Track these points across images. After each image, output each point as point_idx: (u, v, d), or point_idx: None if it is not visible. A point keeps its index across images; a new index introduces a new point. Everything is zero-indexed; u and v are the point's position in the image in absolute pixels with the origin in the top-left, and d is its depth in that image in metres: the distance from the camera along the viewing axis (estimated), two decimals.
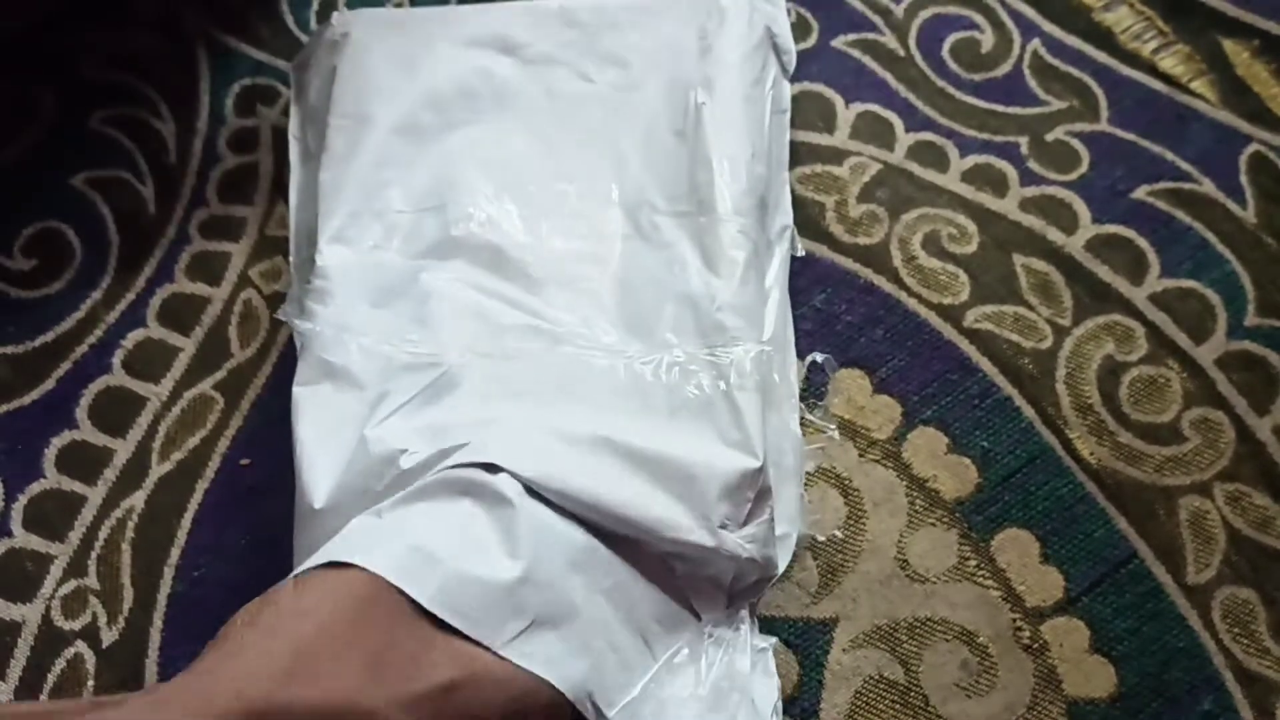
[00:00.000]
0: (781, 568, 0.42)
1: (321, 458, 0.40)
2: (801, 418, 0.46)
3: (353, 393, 0.42)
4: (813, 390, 0.48)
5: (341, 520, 0.37)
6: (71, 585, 0.46)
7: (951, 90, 0.54)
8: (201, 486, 0.47)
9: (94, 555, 0.46)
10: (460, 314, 0.42)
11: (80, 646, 0.45)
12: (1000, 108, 0.54)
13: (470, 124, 0.47)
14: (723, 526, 0.39)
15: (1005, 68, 0.55)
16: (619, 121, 0.47)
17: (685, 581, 0.40)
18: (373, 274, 0.44)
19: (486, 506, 0.36)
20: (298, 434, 0.41)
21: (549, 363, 0.42)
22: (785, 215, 0.49)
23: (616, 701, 0.36)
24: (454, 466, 0.37)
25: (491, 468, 0.37)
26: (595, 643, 0.36)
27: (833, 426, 0.47)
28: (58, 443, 0.48)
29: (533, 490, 0.37)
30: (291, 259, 0.48)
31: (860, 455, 0.47)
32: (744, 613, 0.41)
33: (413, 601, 0.32)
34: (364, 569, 0.33)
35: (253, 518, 0.47)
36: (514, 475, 0.37)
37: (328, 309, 0.43)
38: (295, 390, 0.42)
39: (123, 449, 0.48)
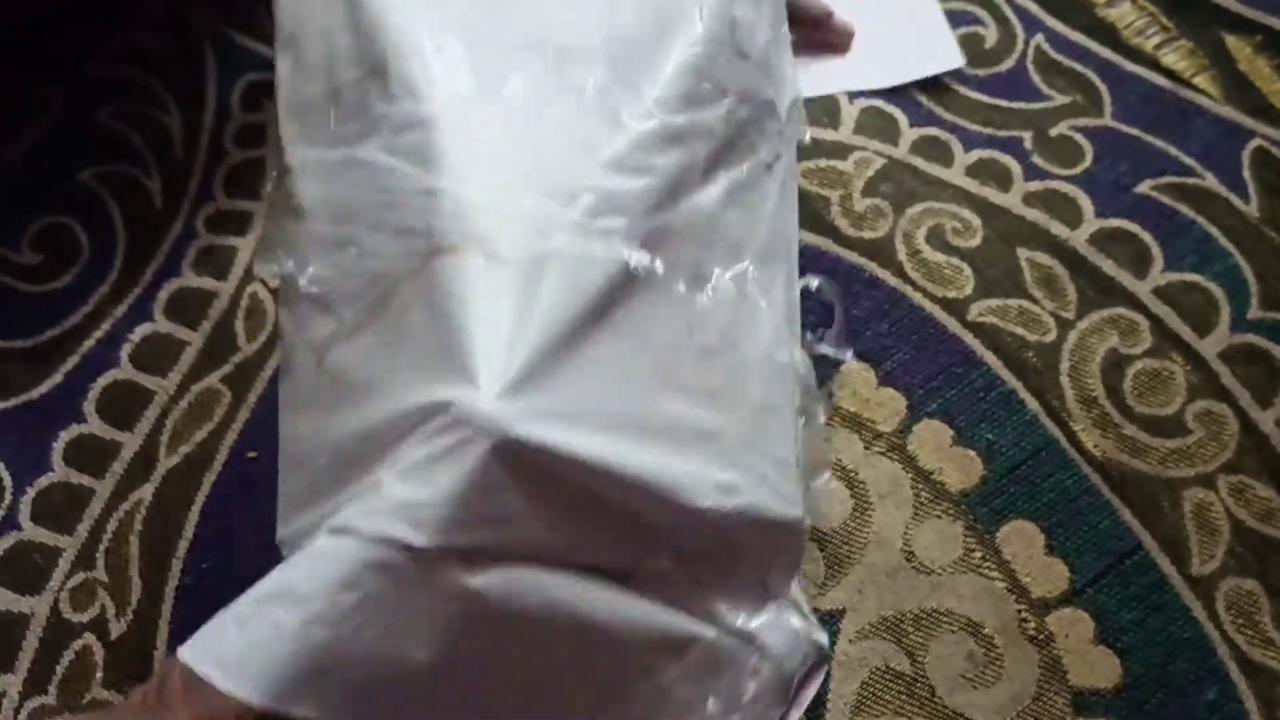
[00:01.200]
0: (801, 514, 0.38)
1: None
2: (810, 351, 0.42)
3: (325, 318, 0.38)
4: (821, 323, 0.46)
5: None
6: (80, 577, 0.46)
7: (955, 85, 0.55)
8: (209, 479, 0.48)
9: (102, 548, 0.47)
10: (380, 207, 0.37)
11: (88, 638, 0.45)
12: (1004, 103, 0.54)
13: None
14: None
15: (1009, 63, 0.55)
16: None
17: (684, 575, 0.36)
18: (331, 176, 0.39)
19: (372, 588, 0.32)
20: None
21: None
22: (793, 88, 0.43)
23: None
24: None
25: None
26: None
27: (847, 351, 0.44)
28: (66, 436, 0.49)
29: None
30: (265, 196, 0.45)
31: (866, 448, 0.47)
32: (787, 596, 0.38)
33: None
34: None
35: (260, 510, 0.46)
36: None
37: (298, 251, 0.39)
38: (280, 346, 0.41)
39: (130, 442, 0.48)
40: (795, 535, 0.37)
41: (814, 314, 0.45)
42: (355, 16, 0.39)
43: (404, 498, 0.32)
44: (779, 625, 0.38)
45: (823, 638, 0.38)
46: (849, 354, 0.44)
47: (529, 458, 0.32)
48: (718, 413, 0.36)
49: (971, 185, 0.52)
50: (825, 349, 0.44)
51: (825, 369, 0.47)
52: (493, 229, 0.34)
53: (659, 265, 0.36)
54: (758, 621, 0.37)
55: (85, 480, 0.48)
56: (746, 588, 0.37)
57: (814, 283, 0.43)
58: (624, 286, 0.35)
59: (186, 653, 0.32)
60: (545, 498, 0.33)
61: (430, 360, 0.34)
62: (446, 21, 0.38)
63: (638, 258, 0.36)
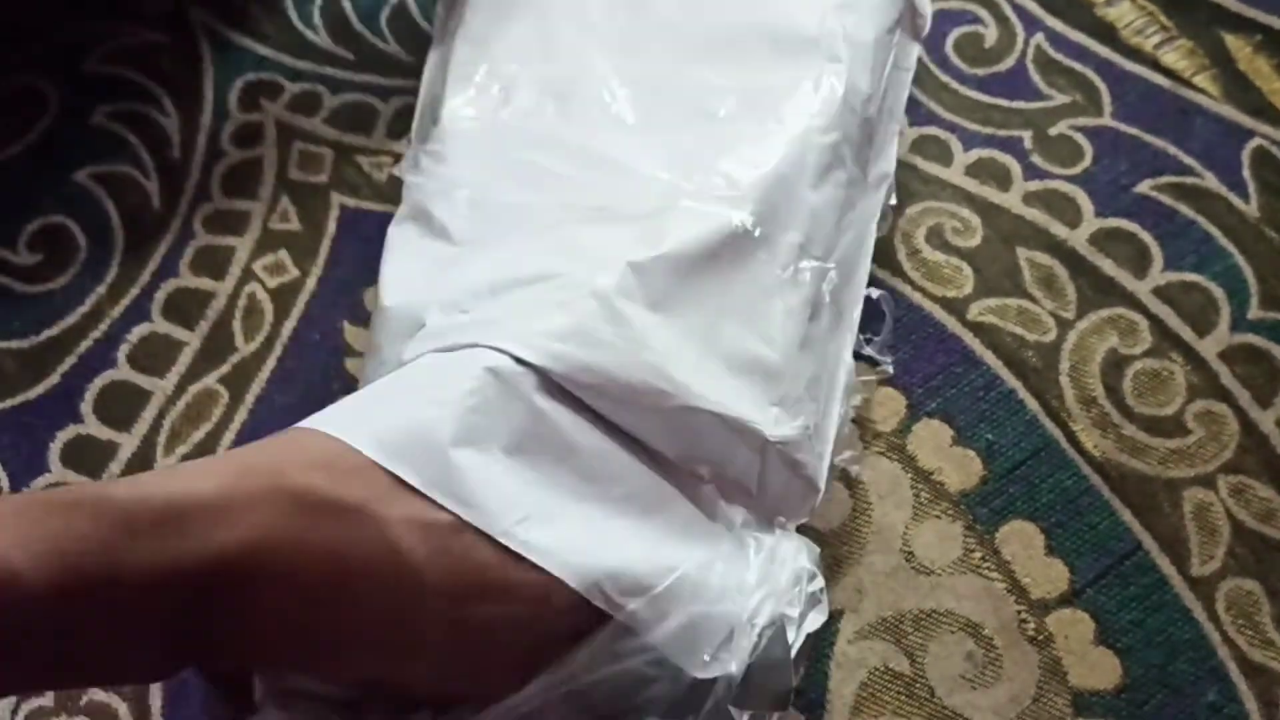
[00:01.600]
0: (822, 484, 0.40)
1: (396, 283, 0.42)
2: (857, 351, 0.44)
3: (442, 243, 0.42)
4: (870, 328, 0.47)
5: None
6: None
7: (955, 85, 0.55)
8: None
9: None
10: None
11: None
12: (1004, 102, 0.54)
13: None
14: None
15: (1009, 62, 0.55)
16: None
17: (715, 488, 0.38)
18: (489, 141, 0.45)
19: (488, 393, 0.35)
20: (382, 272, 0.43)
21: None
22: (888, 164, 0.47)
23: (635, 593, 0.33)
24: (465, 346, 0.36)
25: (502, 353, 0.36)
26: (604, 540, 0.34)
27: (889, 359, 0.46)
28: (63, 436, 0.48)
29: (546, 381, 0.36)
30: (414, 128, 0.49)
31: (865, 447, 0.47)
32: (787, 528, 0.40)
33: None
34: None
35: None
36: (527, 364, 0.35)
37: (439, 167, 0.44)
38: (389, 230, 0.44)
39: (128, 443, 0.48)
40: (812, 495, 0.40)
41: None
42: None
43: (518, 326, 0.36)
44: (790, 543, 0.39)
45: (820, 581, 0.38)
46: (889, 361, 0.46)
47: (624, 323, 0.37)
48: (784, 363, 0.40)
49: (971, 185, 0.52)
50: (870, 351, 0.46)
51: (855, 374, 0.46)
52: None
53: (758, 231, 0.40)
54: (770, 534, 0.39)
55: (82, 481, 0.48)
56: (759, 518, 0.39)
57: (874, 293, 0.46)
58: (728, 239, 0.40)
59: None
60: (625, 374, 0.37)
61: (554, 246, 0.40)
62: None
63: (741, 218, 0.40)
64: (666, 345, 0.38)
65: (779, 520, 0.39)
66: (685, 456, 0.38)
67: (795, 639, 0.35)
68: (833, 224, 0.43)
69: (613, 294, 0.37)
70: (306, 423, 0.34)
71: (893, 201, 0.48)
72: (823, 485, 0.40)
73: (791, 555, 0.37)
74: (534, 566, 0.32)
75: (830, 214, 0.43)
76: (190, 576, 0.28)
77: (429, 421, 0.33)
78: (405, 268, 0.42)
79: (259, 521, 0.29)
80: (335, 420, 0.33)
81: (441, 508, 0.31)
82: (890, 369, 0.46)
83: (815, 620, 0.37)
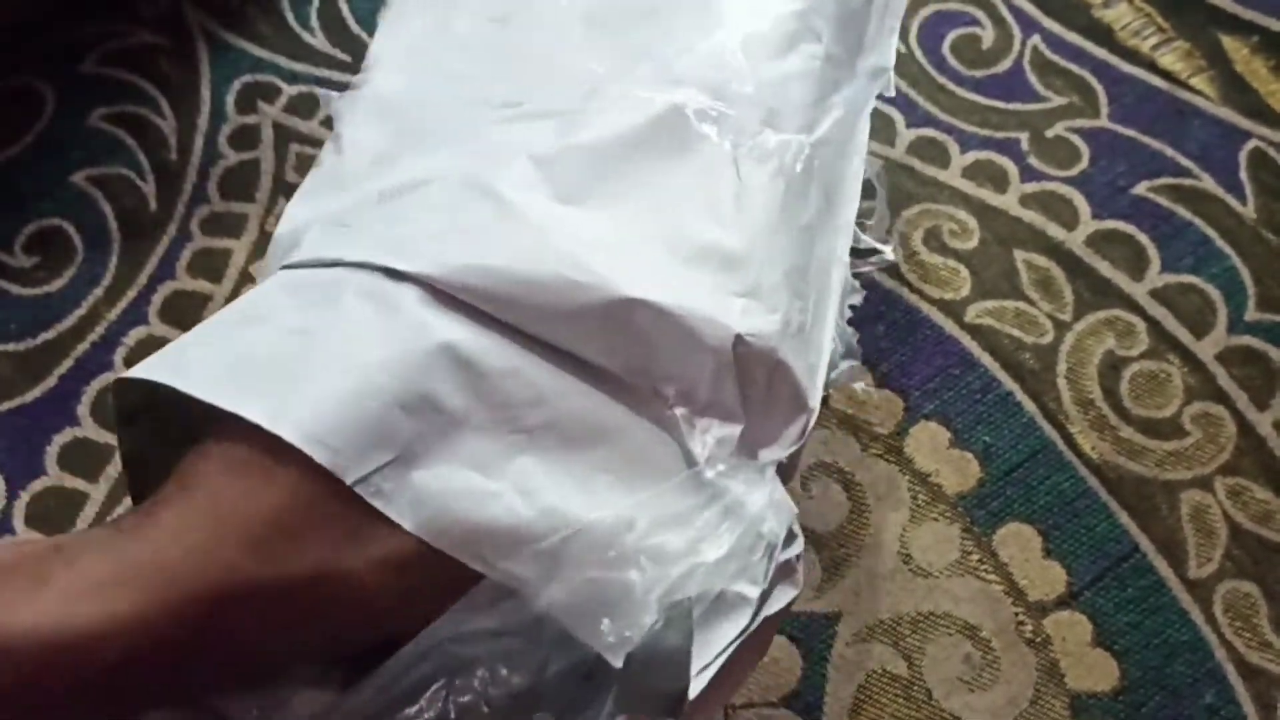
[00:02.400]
0: (814, 402, 0.33)
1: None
2: (855, 247, 0.39)
3: (343, 157, 0.37)
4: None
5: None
6: None
7: (952, 86, 0.55)
8: None
9: None
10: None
11: None
12: (1001, 104, 0.54)
13: None
14: None
15: (1006, 64, 0.55)
16: None
17: (684, 413, 0.31)
18: (415, 56, 0.39)
19: (372, 314, 0.30)
20: None
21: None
22: (883, 59, 0.42)
23: (514, 552, 0.28)
24: (327, 263, 0.31)
25: (390, 273, 0.30)
26: (492, 487, 0.28)
27: (889, 247, 0.42)
28: (60, 440, 0.48)
29: (431, 292, 0.30)
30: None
31: (863, 449, 0.47)
32: (769, 470, 0.32)
33: None
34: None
35: None
36: (403, 275, 0.30)
37: (358, 90, 0.39)
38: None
39: None
40: (800, 413, 0.33)
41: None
42: None
43: (391, 234, 0.31)
44: (761, 493, 0.32)
45: (798, 546, 0.31)
46: (890, 248, 0.41)
47: (521, 218, 0.31)
48: (749, 247, 0.33)
49: (968, 186, 0.52)
50: (867, 238, 0.40)
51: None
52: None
53: (703, 108, 0.35)
54: (737, 478, 0.32)
55: (79, 484, 0.48)
56: (742, 453, 0.32)
57: (869, 169, 0.41)
58: (663, 122, 0.35)
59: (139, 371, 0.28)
60: (528, 270, 0.31)
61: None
62: None
63: (681, 96, 0.35)
64: (581, 234, 0.31)
65: (762, 456, 0.32)
66: (636, 370, 0.31)
67: (748, 621, 0.29)
68: (807, 98, 0.37)
69: (507, 188, 0.32)
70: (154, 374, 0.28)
71: (890, 93, 0.42)
72: (814, 402, 0.33)
73: (760, 512, 0.30)
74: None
75: (801, 86, 0.37)
76: (103, 706, 0.25)
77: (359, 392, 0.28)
78: (305, 196, 0.36)
79: (190, 634, 0.25)
80: (251, 404, 0.27)
81: (402, 534, 0.27)
82: (890, 255, 0.42)
83: (781, 596, 0.30)
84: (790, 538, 0.30)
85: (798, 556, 0.30)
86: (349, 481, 0.27)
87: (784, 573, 0.30)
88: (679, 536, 0.29)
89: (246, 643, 0.26)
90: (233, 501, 0.26)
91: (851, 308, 0.39)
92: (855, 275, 0.39)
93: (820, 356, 0.34)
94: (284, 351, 0.29)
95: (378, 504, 0.27)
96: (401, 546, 0.27)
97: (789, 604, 0.30)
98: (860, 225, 0.40)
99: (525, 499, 0.28)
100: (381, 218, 0.33)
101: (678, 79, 0.36)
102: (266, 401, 0.27)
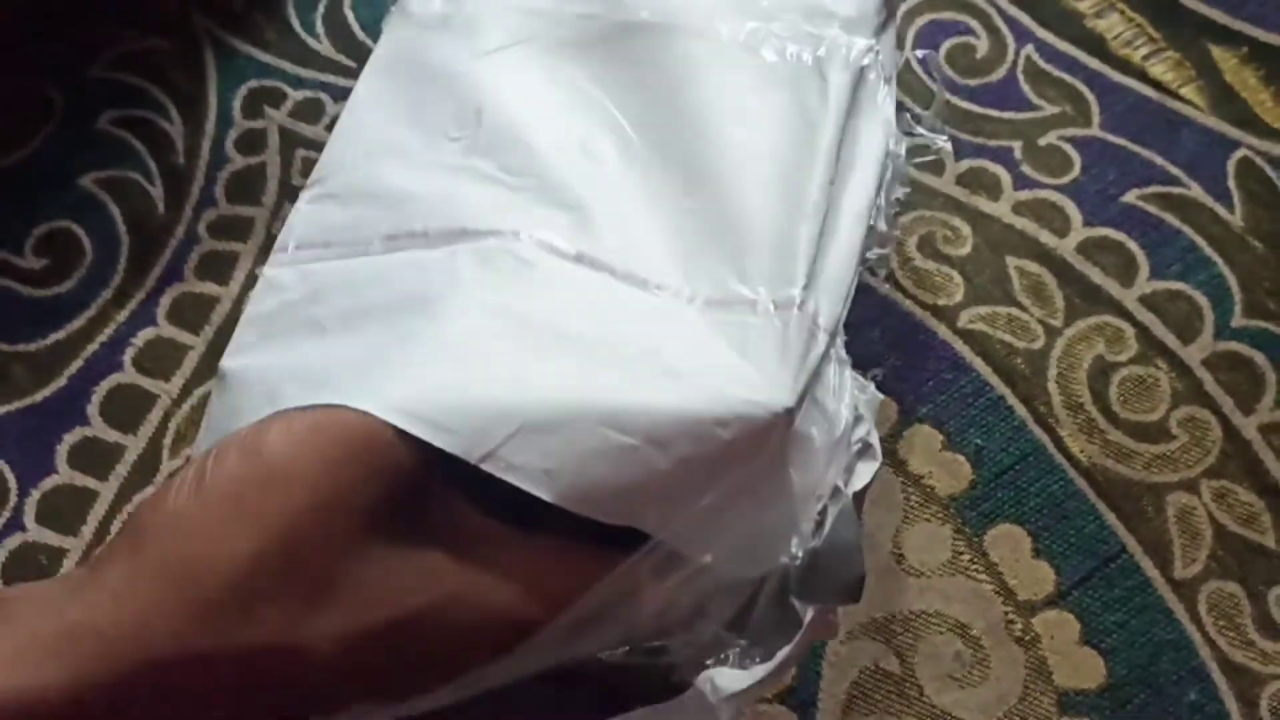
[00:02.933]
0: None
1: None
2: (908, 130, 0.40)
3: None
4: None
5: None
6: None
7: (950, 96, 0.56)
8: None
9: None
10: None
11: None
12: (994, 112, 0.55)
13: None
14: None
15: (1000, 73, 0.56)
16: None
17: None
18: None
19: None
20: None
21: None
22: None
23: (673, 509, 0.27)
24: None
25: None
26: (626, 441, 0.27)
27: (943, 138, 0.41)
28: (70, 439, 0.49)
29: None
30: None
31: None
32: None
33: (376, 498, 0.26)
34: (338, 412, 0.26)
35: None
36: None
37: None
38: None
39: (134, 445, 0.49)
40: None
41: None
42: None
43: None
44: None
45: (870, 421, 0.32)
46: (943, 138, 0.40)
47: None
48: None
49: (962, 194, 0.53)
50: (921, 131, 0.40)
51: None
52: None
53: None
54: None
55: (89, 482, 0.49)
56: None
57: (919, 53, 0.40)
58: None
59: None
60: None
61: None
62: None
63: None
64: None
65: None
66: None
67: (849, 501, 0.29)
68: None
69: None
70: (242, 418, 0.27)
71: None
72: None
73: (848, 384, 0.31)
74: (509, 613, 0.26)
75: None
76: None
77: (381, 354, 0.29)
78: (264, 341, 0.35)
79: (126, 708, 0.24)
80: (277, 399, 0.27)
81: (380, 604, 0.25)
82: (944, 143, 0.41)
83: (865, 473, 0.31)
84: (858, 419, 0.31)
85: (871, 431, 0.31)
86: (474, 459, 0.26)
87: (863, 450, 0.31)
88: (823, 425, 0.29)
89: (181, 711, 0.24)
90: (184, 563, 0.24)
91: (898, 200, 0.38)
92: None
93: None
94: (349, 359, 0.29)
95: (512, 478, 0.26)
96: (366, 619, 0.25)
97: (874, 478, 0.31)
98: (916, 119, 0.41)
99: (659, 450, 0.27)
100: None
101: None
102: (358, 389, 0.26)
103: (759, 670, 0.28)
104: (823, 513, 0.28)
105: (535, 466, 0.26)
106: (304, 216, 0.35)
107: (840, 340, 0.33)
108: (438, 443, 0.26)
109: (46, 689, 0.23)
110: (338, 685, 0.26)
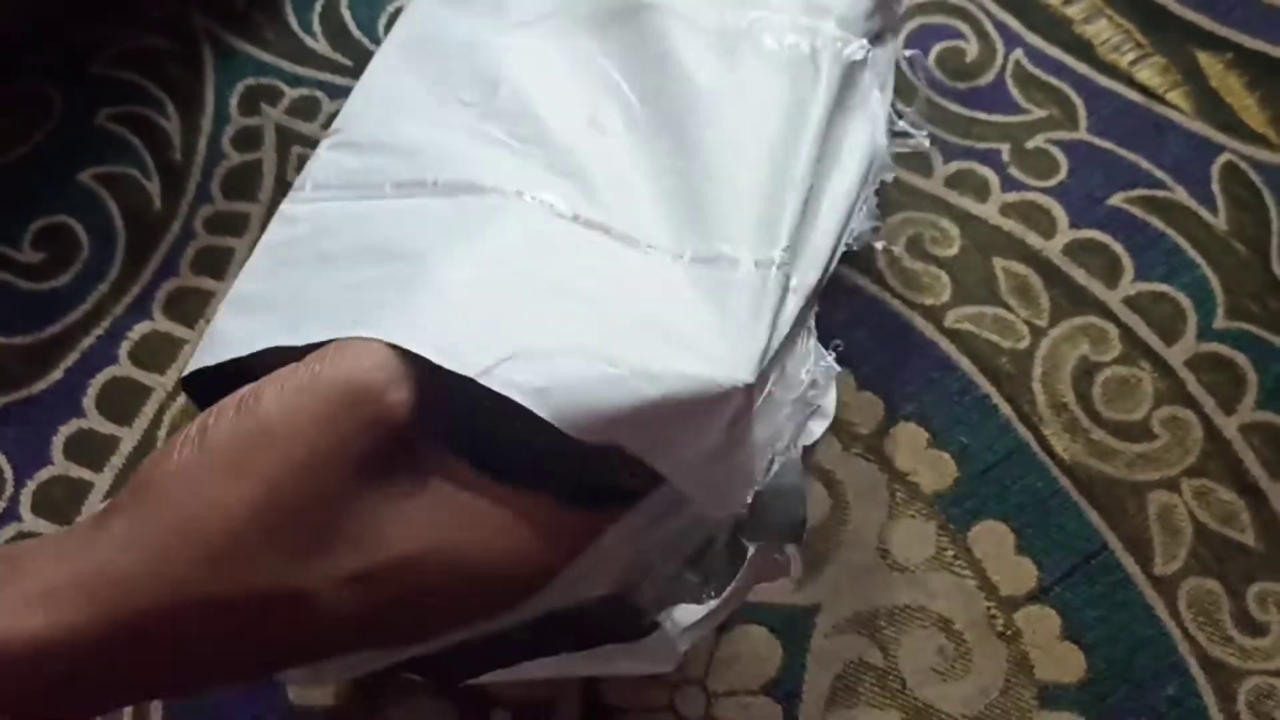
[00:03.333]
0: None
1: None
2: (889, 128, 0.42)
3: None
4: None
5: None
6: None
7: (936, 97, 0.56)
8: None
9: None
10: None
11: None
12: (983, 115, 0.56)
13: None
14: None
15: (989, 77, 0.57)
16: None
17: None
18: None
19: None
20: None
21: None
22: None
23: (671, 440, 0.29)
24: None
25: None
26: (611, 371, 0.29)
27: (924, 133, 0.43)
28: (65, 431, 0.50)
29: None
30: None
31: (844, 449, 0.48)
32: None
33: (375, 446, 0.27)
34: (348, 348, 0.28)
35: None
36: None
37: None
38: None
39: (129, 437, 0.50)
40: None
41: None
42: None
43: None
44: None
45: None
46: (924, 134, 0.43)
47: None
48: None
49: (950, 195, 0.54)
50: (903, 125, 0.42)
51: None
52: None
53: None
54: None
55: (84, 473, 0.49)
56: None
57: (907, 52, 0.42)
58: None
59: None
60: None
61: None
62: None
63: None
64: None
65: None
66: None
67: (800, 454, 0.32)
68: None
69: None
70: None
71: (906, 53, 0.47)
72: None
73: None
74: (511, 562, 0.28)
75: None
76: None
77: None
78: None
79: (136, 649, 0.25)
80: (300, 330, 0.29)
81: (375, 547, 0.26)
82: (926, 142, 0.45)
83: (816, 430, 0.33)
84: (814, 383, 0.34)
85: (828, 396, 0.34)
86: (472, 373, 0.27)
87: (815, 412, 0.33)
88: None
89: (192, 655, 0.26)
90: (188, 513, 0.25)
91: (882, 183, 0.40)
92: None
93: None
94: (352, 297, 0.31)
95: (509, 393, 0.27)
96: (369, 562, 0.26)
97: (823, 435, 0.33)
98: (898, 114, 0.43)
99: (647, 381, 0.28)
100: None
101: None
102: (362, 327, 0.28)
103: (712, 604, 0.31)
104: (771, 461, 0.31)
105: (530, 384, 0.28)
106: (322, 162, 0.38)
107: (813, 310, 0.35)
108: (436, 358, 0.28)
109: (60, 630, 0.24)
110: (339, 629, 0.27)
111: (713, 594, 0.31)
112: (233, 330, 0.33)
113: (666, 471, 0.29)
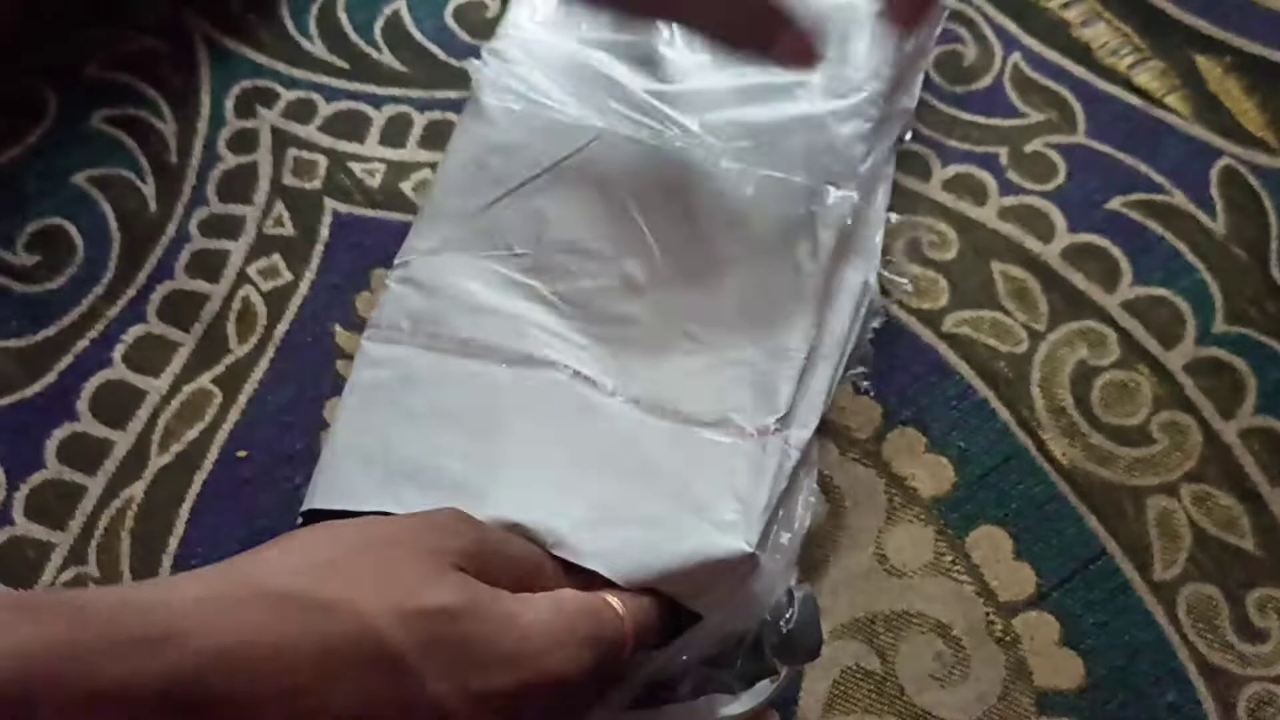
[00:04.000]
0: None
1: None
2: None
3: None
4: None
5: None
6: (72, 573, 0.47)
7: (934, 101, 0.56)
8: (199, 478, 0.49)
9: (94, 544, 0.47)
10: None
11: None
12: (981, 119, 0.56)
13: None
14: None
15: (987, 80, 0.57)
16: None
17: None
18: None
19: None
20: None
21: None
22: (910, 99, 0.53)
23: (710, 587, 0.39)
24: None
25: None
26: (652, 539, 0.39)
27: (907, 280, 0.50)
28: (59, 434, 0.50)
29: None
30: None
31: (841, 454, 0.48)
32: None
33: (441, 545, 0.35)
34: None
35: (248, 508, 0.48)
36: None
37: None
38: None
39: (123, 441, 0.49)
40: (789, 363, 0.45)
41: None
42: None
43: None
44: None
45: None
46: (906, 281, 0.51)
47: None
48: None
49: (948, 199, 0.54)
50: (887, 274, 0.51)
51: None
52: None
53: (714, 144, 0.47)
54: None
55: (78, 477, 0.49)
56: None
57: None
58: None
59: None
60: None
61: None
62: None
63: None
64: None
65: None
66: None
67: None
68: (861, 153, 0.48)
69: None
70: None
71: (908, 137, 0.52)
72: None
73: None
74: (540, 622, 0.33)
75: (859, 145, 0.48)
76: (171, 685, 0.27)
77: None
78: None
79: (239, 625, 0.29)
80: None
81: (425, 595, 0.32)
82: (910, 289, 0.51)
83: (809, 519, 0.44)
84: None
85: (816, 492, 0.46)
86: (548, 544, 0.38)
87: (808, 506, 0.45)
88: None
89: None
90: (291, 554, 0.33)
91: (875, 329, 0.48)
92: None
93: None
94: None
95: (583, 561, 0.38)
96: (425, 601, 0.32)
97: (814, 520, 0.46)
98: (883, 262, 0.49)
99: (681, 550, 0.39)
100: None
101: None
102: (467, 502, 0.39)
103: (746, 699, 0.40)
104: (790, 597, 0.40)
105: (593, 550, 0.38)
106: (394, 297, 0.46)
107: (813, 448, 0.45)
108: (523, 530, 0.39)
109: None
110: (390, 661, 0.31)
111: (742, 689, 0.40)
112: (339, 483, 0.42)
113: (699, 608, 0.39)
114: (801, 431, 0.43)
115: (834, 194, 0.46)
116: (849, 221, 0.46)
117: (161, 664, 0.27)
